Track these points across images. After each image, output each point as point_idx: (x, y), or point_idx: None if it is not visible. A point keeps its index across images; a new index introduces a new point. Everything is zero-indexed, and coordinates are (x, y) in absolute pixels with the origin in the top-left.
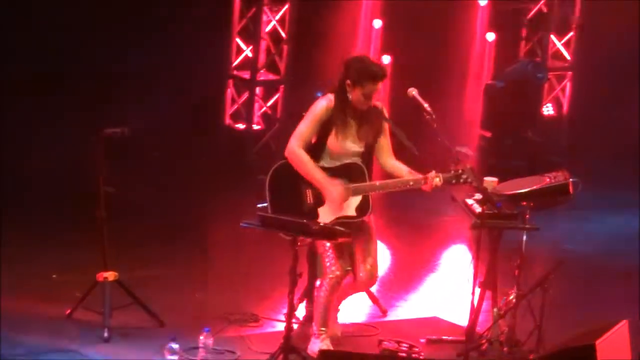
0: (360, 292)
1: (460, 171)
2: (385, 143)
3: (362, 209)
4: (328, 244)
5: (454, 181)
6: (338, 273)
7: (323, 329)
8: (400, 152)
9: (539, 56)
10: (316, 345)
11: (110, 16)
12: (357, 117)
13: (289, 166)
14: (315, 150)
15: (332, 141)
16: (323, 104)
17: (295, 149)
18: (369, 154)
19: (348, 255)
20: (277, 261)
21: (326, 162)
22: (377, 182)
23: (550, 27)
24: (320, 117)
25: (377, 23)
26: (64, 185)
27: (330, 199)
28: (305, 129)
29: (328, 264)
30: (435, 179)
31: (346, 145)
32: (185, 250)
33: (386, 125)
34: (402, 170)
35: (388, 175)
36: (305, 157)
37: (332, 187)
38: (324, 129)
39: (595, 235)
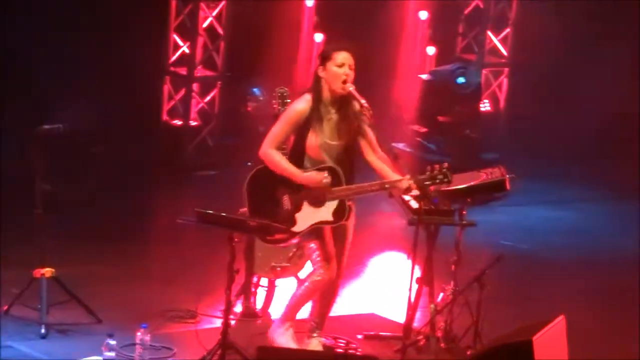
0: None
1: (436, 172)
2: (366, 142)
3: (339, 213)
4: (314, 246)
5: (428, 182)
6: (326, 277)
7: (288, 322)
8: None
9: (475, 52)
10: (283, 337)
11: (46, 12)
12: (335, 113)
13: (266, 171)
14: (296, 155)
15: (311, 141)
16: (300, 106)
17: (268, 149)
18: (349, 155)
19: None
20: (214, 258)
21: (308, 164)
22: (354, 186)
23: (487, 23)
24: (296, 119)
25: (314, 18)
26: (0, 181)
27: (315, 186)
28: (279, 131)
29: (315, 265)
30: (410, 181)
31: (326, 142)
32: (122, 247)
33: (365, 126)
34: (382, 168)
35: (373, 171)
36: (279, 156)
37: (314, 175)
38: (302, 131)
39: (532, 230)
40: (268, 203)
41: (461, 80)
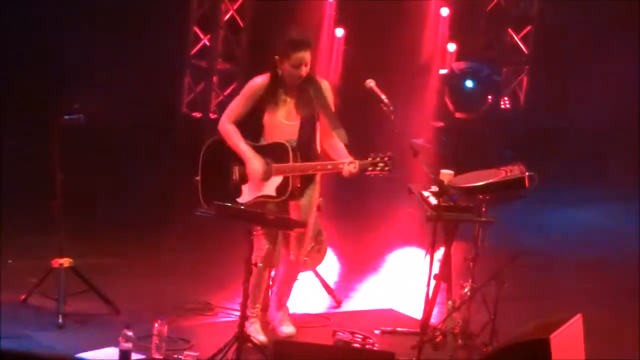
0: (305, 271)
1: (378, 159)
2: (322, 126)
3: (281, 189)
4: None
5: (370, 168)
6: (265, 249)
7: (256, 306)
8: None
9: (495, 49)
10: (252, 328)
11: (67, 2)
12: (293, 93)
13: (222, 142)
14: (253, 128)
15: (268, 118)
16: (257, 80)
17: (225, 123)
18: (308, 132)
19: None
20: (232, 250)
21: (264, 141)
22: (297, 164)
23: (508, 21)
24: (253, 93)
25: (335, 13)
26: (18, 171)
27: (249, 171)
28: (236, 105)
29: (256, 242)
30: (351, 165)
31: (281, 122)
32: (140, 238)
33: (327, 103)
34: (337, 151)
35: (325, 154)
36: (233, 130)
37: (254, 160)
38: (260, 106)
39: (550, 228)
40: (220, 172)
41: (469, 82)
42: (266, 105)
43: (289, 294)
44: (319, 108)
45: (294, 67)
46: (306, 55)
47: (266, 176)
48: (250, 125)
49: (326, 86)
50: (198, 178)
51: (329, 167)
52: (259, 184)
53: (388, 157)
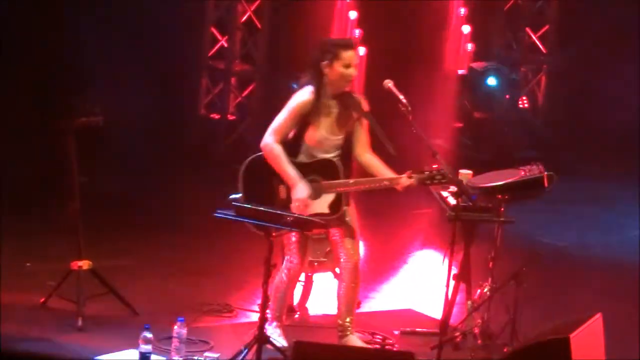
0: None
1: (434, 172)
2: (361, 134)
3: (334, 206)
4: (295, 237)
5: (427, 182)
6: (296, 263)
7: (275, 321)
8: (377, 149)
9: (514, 49)
10: (275, 334)
11: (84, 5)
12: (336, 106)
13: (264, 159)
14: (294, 144)
15: (311, 134)
16: (304, 97)
17: (270, 142)
18: (348, 146)
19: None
20: (251, 252)
21: (305, 157)
22: (351, 180)
23: (526, 20)
24: (299, 110)
25: (353, 14)
26: (36, 173)
27: (295, 197)
28: (283, 122)
29: (289, 254)
30: (410, 179)
31: (325, 137)
32: (159, 240)
33: (372, 117)
34: (376, 165)
35: (362, 168)
36: (280, 152)
37: (300, 187)
38: (303, 122)
39: (570, 227)
40: (263, 191)
41: (492, 80)
42: (310, 121)
43: (357, 298)
44: (365, 121)
45: (345, 66)
46: (355, 55)
47: (316, 195)
48: (290, 141)
49: (364, 100)
50: (239, 196)
51: (386, 182)
52: (301, 206)
53: (445, 168)
